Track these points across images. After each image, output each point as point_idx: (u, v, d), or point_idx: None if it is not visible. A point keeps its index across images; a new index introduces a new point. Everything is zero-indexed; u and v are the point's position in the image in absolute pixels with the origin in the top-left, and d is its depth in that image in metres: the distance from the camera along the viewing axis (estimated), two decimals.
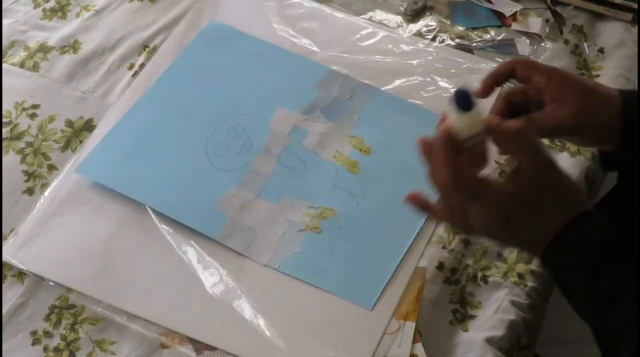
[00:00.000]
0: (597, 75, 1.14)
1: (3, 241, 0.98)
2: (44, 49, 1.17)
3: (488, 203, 0.75)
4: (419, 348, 0.89)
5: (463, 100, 0.74)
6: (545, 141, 1.05)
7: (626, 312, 0.72)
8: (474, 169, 0.77)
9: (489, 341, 0.90)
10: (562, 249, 0.75)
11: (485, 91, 0.86)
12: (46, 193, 1.02)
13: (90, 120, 1.09)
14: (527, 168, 0.74)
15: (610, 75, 1.14)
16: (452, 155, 0.75)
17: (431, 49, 1.16)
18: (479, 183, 0.76)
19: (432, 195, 0.78)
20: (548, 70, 0.85)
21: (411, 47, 1.16)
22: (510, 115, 0.84)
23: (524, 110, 0.85)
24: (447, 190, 0.76)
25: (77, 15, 1.21)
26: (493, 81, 0.86)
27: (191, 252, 0.96)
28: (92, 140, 1.06)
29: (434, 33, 1.18)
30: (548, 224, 0.75)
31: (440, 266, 0.96)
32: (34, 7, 1.23)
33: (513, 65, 0.86)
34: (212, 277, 0.94)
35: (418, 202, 0.81)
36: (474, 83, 1.11)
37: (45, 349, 0.91)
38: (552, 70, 0.86)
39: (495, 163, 1.02)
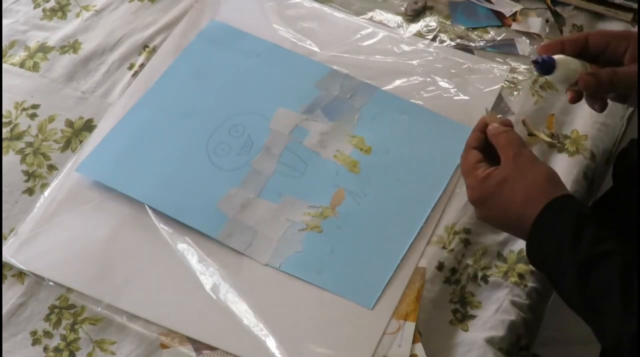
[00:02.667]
0: None
1: (3, 241, 0.98)
2: (44, 49, 1.17)
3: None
4: (419, 348, 0.89)
5: (546, 66, 0.84)
6: (547, 138, 1.06)
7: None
8: None
9: (489, 341, 0.90)
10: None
11: (548, 51, 0.88)
12: (46, 193, 1.02)
13: (90, 120, 1.09)
14: None
15: None
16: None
17: (431, 49, 1.16)
18: None
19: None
20: (624, 35, 0.88)
21: (411, 47, 1.16)
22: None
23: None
24: None
25: (77, 15, 1.21)
26: (559, 46, 0.88)
27: (190, 252, 0.96)
28: (92, 140, 1.06)
29: (434, 33, 1.18)
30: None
31: (440, 266, 0.95)
32: (34, 7, 1.23)
33: (585, 38, 0.88)
34: (211, 277, 0.94)
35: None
36: (475, 83, 1.11)
37: (45, 349, 0.91)
38: (628, 34, 0.89)
39: None
